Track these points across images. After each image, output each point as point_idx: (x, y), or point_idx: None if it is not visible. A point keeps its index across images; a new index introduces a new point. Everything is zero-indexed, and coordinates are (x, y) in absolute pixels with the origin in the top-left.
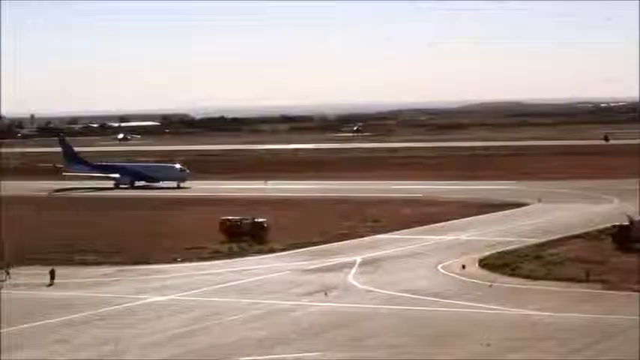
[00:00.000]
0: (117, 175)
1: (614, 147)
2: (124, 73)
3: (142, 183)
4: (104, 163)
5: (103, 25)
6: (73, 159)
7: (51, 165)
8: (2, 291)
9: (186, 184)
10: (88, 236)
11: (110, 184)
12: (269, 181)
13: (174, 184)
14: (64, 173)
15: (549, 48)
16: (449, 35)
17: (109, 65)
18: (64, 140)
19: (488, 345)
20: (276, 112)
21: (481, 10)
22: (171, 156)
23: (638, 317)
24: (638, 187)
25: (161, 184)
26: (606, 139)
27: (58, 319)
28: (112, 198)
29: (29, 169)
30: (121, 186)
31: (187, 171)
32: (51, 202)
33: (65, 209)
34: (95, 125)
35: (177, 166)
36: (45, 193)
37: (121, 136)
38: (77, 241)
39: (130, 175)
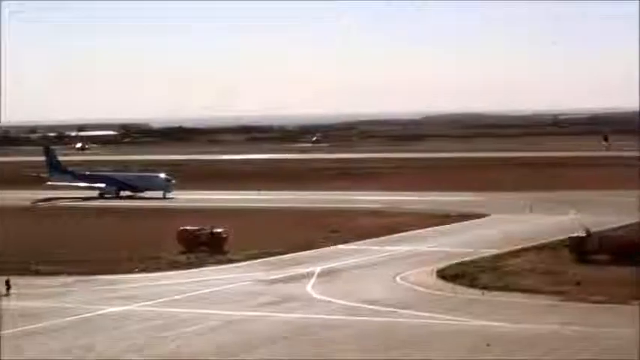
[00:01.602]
0: (102, 185)
1: (574, 160)
2: (81, 82)
3: (127, 193)
4: (89, 173)
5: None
6: (58, 168)
7: (35, 174)
8: None
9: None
10: (53, 246)
11: (95, 193)
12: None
13: (160, 194)
14: (48, 183)
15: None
16: (409, 43)
17: (66, 74)
18: (49, 149)
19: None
20: (235, 122)
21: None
22: (132, 165)
23: (594, 328)
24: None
25: (147, 194)
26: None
27: (11, 330)
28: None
29: (12, 178)
30: (105, 196)
31: (173, 181)
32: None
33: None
34: (53, 134)
35: (163, 175)
36: (28, 203)
37: (79, 145)
38: (40, 250)
39: (115, 185)
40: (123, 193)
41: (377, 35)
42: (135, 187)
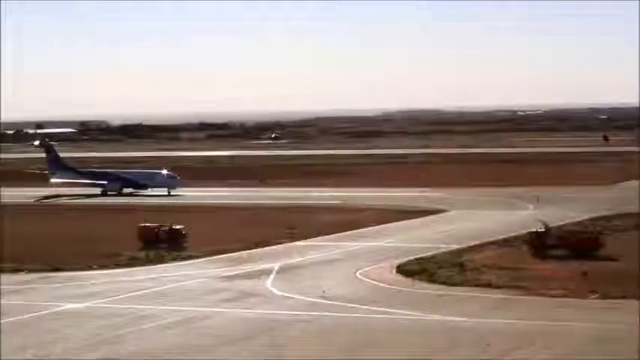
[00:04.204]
0: (104, 182)
1: (529, 155)
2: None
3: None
4: (91, 170)
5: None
6: (59, 165)
7: (36, 171)
8: None
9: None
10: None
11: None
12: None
13: (164, 190)
14: (51, 180)
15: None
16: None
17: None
18: (49, 145)
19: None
20: (194, 119)
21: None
22: (94, 162)
23: (551, 322)
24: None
25: (150, 191)
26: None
27: None
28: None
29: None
30: (108, 193)
31: (177, 177)
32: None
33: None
34: (10, 132)
35: (165, 172)
36: (31, 201)
37: (37, 142)
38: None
39: (118, 182)
40: (126, 190)
41: (328, 37)
42: (138, 184)
